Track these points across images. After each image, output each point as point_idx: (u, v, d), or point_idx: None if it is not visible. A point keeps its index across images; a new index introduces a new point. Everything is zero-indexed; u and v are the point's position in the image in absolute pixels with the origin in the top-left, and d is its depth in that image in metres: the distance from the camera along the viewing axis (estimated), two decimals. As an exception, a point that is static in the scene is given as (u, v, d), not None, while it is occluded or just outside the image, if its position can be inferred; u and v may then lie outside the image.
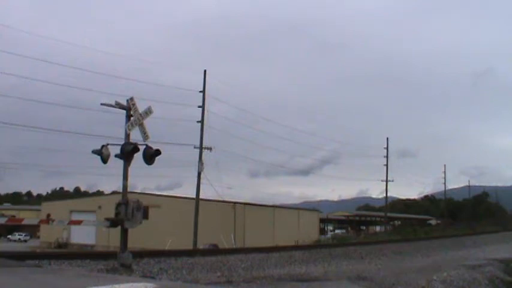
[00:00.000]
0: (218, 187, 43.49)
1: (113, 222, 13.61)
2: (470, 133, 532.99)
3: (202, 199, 40.89)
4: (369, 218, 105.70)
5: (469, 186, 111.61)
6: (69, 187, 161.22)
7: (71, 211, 57.97)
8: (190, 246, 34.73)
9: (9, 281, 7.70)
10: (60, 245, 62.42)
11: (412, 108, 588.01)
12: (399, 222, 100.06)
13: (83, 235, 58.35)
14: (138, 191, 56.87)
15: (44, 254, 16.68)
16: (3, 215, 44.71)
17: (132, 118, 14.04)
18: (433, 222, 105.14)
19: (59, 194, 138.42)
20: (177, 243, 39.69)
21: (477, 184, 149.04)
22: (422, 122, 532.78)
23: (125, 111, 14.15)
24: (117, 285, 7.18)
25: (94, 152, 13.73)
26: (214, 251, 23.49)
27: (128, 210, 13.30)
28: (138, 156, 13.93)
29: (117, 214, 13.49)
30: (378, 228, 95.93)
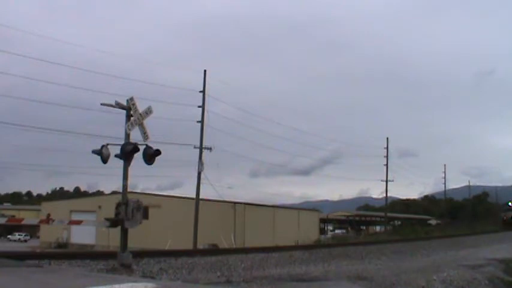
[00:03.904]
0: (218, 187, 43.54)
1: (113, 222, 13.60)
2: (471, 133, 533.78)
3: (202, 199, 40.90)
4: (368, 218, 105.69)
5: (469, 186, 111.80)
6: (69, 187, 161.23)
7: (71, 211, 57.96)
8: (190, 246, 34.73)
9: (9, 281, 7.70)
10: (60, 245, 62.43)
11: (412, 108, 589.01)
12: (399, 222, 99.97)
13: (83, 235, 58.35)
14: (139, 191, 56.90)
15: (44, 254, 16.68)
16: (3, 215, 44.77)
17: (132, 118, 14.03)
18: (433, 222, 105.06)
19: (59, 194, 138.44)
20: (177, 243, 39.68)
21: (477, 184, 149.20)
22: (422, 122, 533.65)
23: (125, 111, 14.13)
24: (117, 285, 7.17)
25: (94, 152, 13.72)
26: (214, 251, 23.48)
27: (128, 210, 13.29)
28: (138, 156, 13.92)
29: (117, 214, 13.48)
30: (378, 228, 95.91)
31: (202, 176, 39.33)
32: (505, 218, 63.69)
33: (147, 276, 12.55)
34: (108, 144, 13.76)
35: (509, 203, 68.08)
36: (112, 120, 17.61)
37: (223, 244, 42.03)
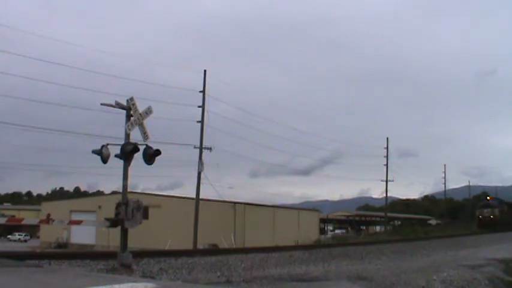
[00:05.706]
0: (218, 187, 43.55)
1: (113, 222, 13.59)
2: (471, 133, 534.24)
3: (202, 199, 40.90)
4: (368, 218, 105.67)
5: (469, 186, 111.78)
6: (69, 187, 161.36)
7: (71, 211, 57.97)
8: (190, 246, 34.72)
9: (9, 281, 7.70)
10: (60, 245, 62.42)
11: (412, 108, 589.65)
12: (399, 222, 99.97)
13: (83, 235, 58.35)
14: (139, 191, 56.91)
15: (44, 254, 16.67)
16: (3, 215, 44.76)
17: (132, 118, 14.02)
18: (433, 222, 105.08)
19: (59, 194, 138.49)
20: (177, 243, 39.67)
21: (477, 184, 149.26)
22: (422, 122, 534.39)
23: (125, 111, 14.13)
24: (117, 285, 7.17)
25: (94, 152, 13.72)
26: (214, 251, 23.47)
27: (128, 210, 13.29)
28: (138, 156, 13.92)
29: (117, 214, 13.48)
30: (378, 228, 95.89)
31: (202, 176, 39.35)
32: (480, 216, 54.99)
33: (147, 276, 12.55)
34: (108, 144, 13.76)
35: (488, 198, 60.64)
36: (112, 120, 17.63)
37: (223, 244, 42.01)
